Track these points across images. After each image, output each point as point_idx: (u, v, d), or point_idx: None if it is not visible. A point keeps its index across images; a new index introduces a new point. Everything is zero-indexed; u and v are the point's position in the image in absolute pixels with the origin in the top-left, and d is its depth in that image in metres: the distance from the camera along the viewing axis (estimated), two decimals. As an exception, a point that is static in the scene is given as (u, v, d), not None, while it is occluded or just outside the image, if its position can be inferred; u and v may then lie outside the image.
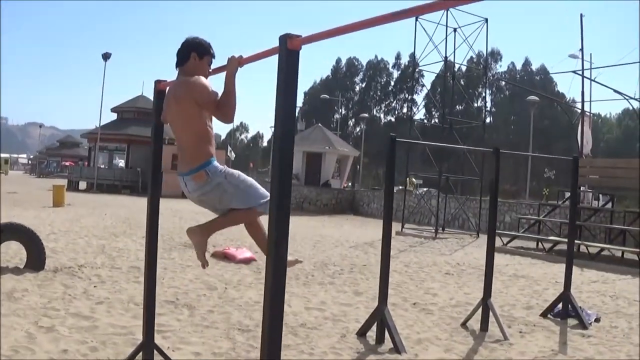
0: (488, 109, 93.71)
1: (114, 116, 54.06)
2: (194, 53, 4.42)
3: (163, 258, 11.59)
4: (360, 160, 45.51)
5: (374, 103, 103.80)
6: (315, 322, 7.75)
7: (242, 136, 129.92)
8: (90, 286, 8.38)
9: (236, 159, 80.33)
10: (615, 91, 21.17)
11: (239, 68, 4.19)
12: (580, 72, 21.96)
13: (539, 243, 19.86)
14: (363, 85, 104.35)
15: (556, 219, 21.85)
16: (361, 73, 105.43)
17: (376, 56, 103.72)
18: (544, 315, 9.17)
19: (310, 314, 8.21)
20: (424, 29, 25.51)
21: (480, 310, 8.21)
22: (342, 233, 21.83)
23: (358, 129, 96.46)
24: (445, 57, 25.31)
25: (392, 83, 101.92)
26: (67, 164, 55.56)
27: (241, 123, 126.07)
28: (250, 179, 4.52)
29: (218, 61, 4.55)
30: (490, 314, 8.06)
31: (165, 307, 7.71)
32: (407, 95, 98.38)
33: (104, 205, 27.16)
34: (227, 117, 4.29)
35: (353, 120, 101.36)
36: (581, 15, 22.29)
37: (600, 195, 22.21)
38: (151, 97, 5.07)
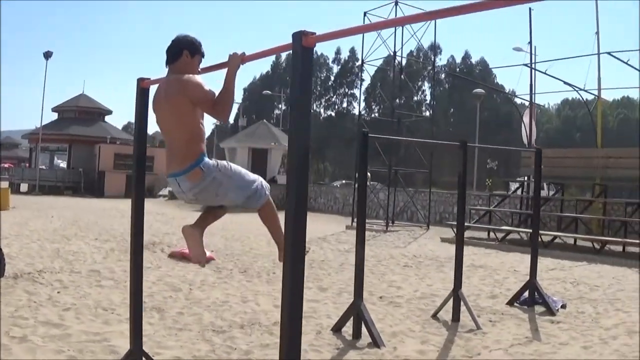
0: (428, 102, 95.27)
1: (55, 116, 52.77)
2: (186, 51, 4.36)
3: (120, 260, 11.35)
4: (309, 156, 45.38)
5: (314, 98, 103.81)
6: (287, 319, 7.66)
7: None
8: (53, 292, 8.12)
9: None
10: (566, 83, 21.63)
11: (240, 65, 4.11)
12: (529, 65, 22.35)
13: (490, 233, 20.17)
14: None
15: (505, 209, 22.26)
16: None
17: (316, 51, 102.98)
18: (510, 303, 9.29)
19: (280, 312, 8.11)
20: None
21: (450, 301, 8.25)
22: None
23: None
24: (394, 52, 25.45)
25: (332, 78, 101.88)
26: (7, 165, 53.88)
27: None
28: (238, 168, 4.49)
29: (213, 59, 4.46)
30: (462, 304, 8.12)
31: (134, 310, 7.52)
32: (347, 90, 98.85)
33: (48, 207, 26.37)
34: (224, 115, 4.25)
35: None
36: (530, 10, 22.72)
37: (545, 185, 22.69)
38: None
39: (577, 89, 22.04)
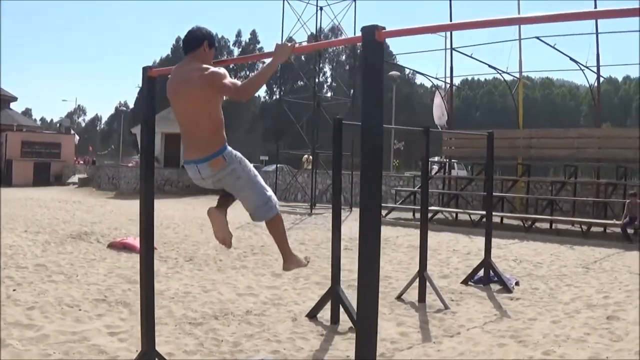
0: (329, 83, 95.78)
1: None
2: (206, 42, 4.40)
3: (61, 253, 10.94)
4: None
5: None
6: (256, 308, 7.59)
7: (80, 119, 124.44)
8: (9, 290, 7.67)
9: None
10: (490, 66, 22.16)
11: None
12: (454, 49, 22.71)
13: (415, 213, 20.55)
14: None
15: (431, 189, 22.70)
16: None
17: (217, 34, 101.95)
18: (465, 282, 9.50)
19: (246, 300, 8.02)
20: (291, 6, 25.44)
21: (416, 282, 8.34)
22: (219, 214, 21.45)
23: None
24: (316, 35, 25.38)
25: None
26: None
27: (79, 106, 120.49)
28: (255, 170, 4.49)
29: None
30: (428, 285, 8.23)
31: (100, 306, 7.24)
32: (248, 73, 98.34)
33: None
34: (247, 96, 4.19)
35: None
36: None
37: (456, 165, 23.33)
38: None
39: (499, 71, 22.65)
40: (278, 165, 40.81)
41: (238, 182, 4.32)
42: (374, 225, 3.00)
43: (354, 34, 26.06)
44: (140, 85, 4.70)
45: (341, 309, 6.93)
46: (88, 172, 42.30)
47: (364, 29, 2.96)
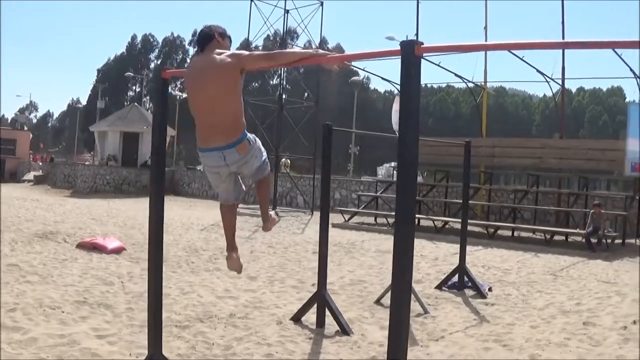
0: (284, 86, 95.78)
1: None
2: (216, 33, 4.54)
3: (30, 252, 10.73)
4: (175, 139, 44.52)
5: (170, 80, 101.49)
6: (239, 311, 7.58)
7: (32, 115, 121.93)
8: (-16, 290, 7.52)
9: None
10: (457, 75, 22.42)
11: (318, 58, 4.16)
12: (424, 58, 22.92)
13: (377, 218, 20.73)
14: (159, 62, 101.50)
15: (389, 194, 22.90)
16: (157, 50, 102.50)
17: (172, 33, 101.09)
18: (439, 287, 9.63)
19: (227, 303, 8.01)
20: (258, 8, 25.42)
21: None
22: (180, 215, 21.30)
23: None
24: (283, 38, 25.42)
25: (189, 60, 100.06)
26: None
27: (31, 102, 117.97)
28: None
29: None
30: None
31: (82, 308, 7.13)
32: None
33: None
34: (276, 63, 4.39)
35: (148, 97, 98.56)
36: (417, 2, 23.28)
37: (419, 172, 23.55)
38: None
39: (466, 80, 22.96)
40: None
41: (254, 160, 4.53)
42: (408, 236, 3.06)
43: (320, 37, 26.44)
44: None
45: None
46: (43, 170, 41.57)
47: (403, 44, 3.02)
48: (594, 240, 15.07)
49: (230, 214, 4.97)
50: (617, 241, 16.16)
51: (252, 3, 25.45)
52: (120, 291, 8.25)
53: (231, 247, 5.02)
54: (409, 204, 3.07)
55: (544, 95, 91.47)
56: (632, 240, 17.04)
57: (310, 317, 7.22)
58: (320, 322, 7.03)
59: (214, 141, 4.36)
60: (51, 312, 6.79)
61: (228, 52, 4.37)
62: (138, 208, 23.68)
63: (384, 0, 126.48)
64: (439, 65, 20.66)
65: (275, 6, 25.66)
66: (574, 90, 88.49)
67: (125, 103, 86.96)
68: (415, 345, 6.46)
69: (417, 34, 23.56)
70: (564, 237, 16.79)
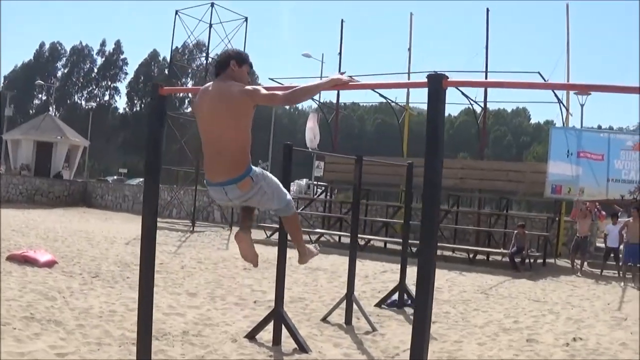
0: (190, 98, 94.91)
1: None
2: (232, 61, 4.42)
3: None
4: (87, 150, 43.37)
5: (77, 89, 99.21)
6: (190, 328, 7.57)
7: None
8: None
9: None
10: (381, 95, 22.98)
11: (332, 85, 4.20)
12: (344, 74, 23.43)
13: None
14: (66, 71, 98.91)
15: (310, 211, 23.12)
16: (64, 58, 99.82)
17: (81, 42, 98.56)
18: (378, 305, 9.86)
19: (176, 320, 7.97)
20: (183, 22, 25.27)
21: (343, 305, 8.58)
22: (99, 228, 20.84)
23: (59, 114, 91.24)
24: (207, 54, 25.33)
25: (96, 70, 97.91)
26: None
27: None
28: (275, 178, 4.63)
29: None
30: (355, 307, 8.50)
31: (32, 325, 6.93)
32: (109, 83, 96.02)
33: None
34: (294, 102, 4.36)
35: (54, 106, 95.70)
36: (342, 21, 23.82)
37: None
38: None
39: (389, 100, 23.52)
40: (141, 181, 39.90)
41: (264, 197, 4.44)
42: (431, 262, 3.24)
43: (244, 50, 26.48)
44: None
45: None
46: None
47: (430, 77, 3.22)
48: (517, 260, 15.68)
49: (287, 227, 4.98)
50: (539, 261, 16.94)
51: (177, 15, 25.29)
52: (65, 306, 8.06)
53: (243, 227, 4.81)
54: (433, 227, 3.26)
55: (449, 114, 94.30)
56: (552, 260, 17.86)
57: (264, 334, 7.29)
58: (277, 339, 7.10)
59: (217, 175, 4.34)
60: (3, 329, 6.58)
61: (242, 88, 4.24)
62: (53, 219, 23.05)
63: (302, 17, 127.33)
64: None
65: (200, 20, 25.58)
66: (478, 111, 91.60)
67: (31, 111, 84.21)
68: (375, 363, 6.64)
69: (340, 52, 24.11)
70: (485, 257, 17.38)
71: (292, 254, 16.19)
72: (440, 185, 3.32)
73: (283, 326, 7.11)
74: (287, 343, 7.03)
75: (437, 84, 3.21)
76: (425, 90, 3.22)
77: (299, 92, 4.13)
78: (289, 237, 5.59)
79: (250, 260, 4.83)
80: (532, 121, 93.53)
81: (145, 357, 4.65)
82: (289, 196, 4.66)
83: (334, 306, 8.73)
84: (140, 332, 4.66)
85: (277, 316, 7.17)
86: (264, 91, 4.21)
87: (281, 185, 4.63)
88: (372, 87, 3.99)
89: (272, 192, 4.48)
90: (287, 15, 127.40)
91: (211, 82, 4.50)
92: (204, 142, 4.40)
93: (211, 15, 25.01)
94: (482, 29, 23.28)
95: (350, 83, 4.13)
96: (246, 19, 25.73)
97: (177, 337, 7.06)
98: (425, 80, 3.27)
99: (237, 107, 4.20)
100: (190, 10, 25.65)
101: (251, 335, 7.28)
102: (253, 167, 4.37)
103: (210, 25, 25.46)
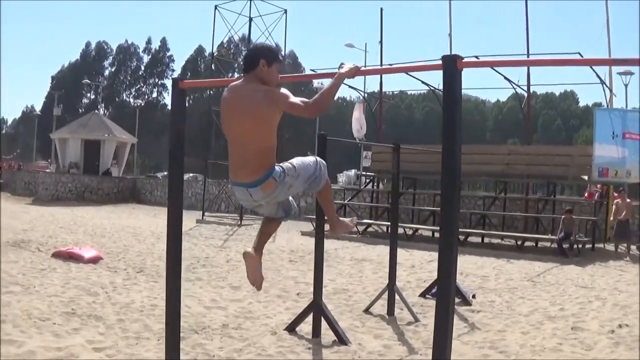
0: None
1: None
2: (262, 60, 4.25)
3: (6, 262, 10.49)
4: (135, 147, 43.95)
5: (124, 87, 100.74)
6: (231, 321, 7.51)
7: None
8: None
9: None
10: (423, 82, 22.72)
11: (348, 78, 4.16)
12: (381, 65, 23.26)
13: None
14: (113, 70, 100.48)
15: (358, 202, 22.97)
16: (111, 57, 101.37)
17: (126, 40, 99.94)
18: (423, 295, 9.66)
19: (217, 313, 7.94)
20: (223, 17, 25.31)
21: (385, 295, 8.45)
22: (147, 223, 21.10)
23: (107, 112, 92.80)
24: (249, 44, 25.32)
25: (143, 68, 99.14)
26: None
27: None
28: (299, 161, 4.44)
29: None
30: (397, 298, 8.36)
31: (72, 320, 6.98)
32: (157, 80, 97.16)
33: None
34: (318, 113, 4.17)
35: (103, 104, 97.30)
36: (381, 9, 23.57)
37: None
38: None
39: (432, 88, 23.20)
40: (192, 175, 40.20)
41: (291, 189, 4.34)
42: (453, 246, 3.10)
43: (284, 44, 26.42)
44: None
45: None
46: (3, 177, 40.75)
47: (445, 58, 3.07)
48: (565, 246, 15.31)
49: (270, 222, 4.79)
50: (588, 246, 16.50)
51: (216, 10, 25.33)
52: (107, 302, 8.11)
53: (256, 248, 4.67)
54: (453, 213, 3.11)
55: (497, 100, 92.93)
56: (601, 245, 17.40)
57: (304, 326, 7.20)
58: (317, 332, 7.00)
59: (241, 176, 4.25)
60: (42, 324, 6.64)
61: (268, 96, 4.12)
62: (102, 216, 23.43)
63: (346, 1, 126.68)
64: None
65: (240, 14, 25.59)
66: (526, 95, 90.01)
67: (80, 110, 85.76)
68: (414, 354, 6.49)
69: (381, 41, 23.80)
70: (534, 243, 17.04)
71: (336, 245, 16.33)
72: (459, 171, 3.15)
73: (322, 318, 7.01)
74: (327, 335, 6.92)
75: (451, 65, 3.06)
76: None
77: (321, 98, 4.02)
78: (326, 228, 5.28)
79: (253, 282, 4.64)
80: (581, 104, 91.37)
81: (173, 351, 4.56)
82: (316, 169, 4.43)
83: (376, 297, 8.59)
84: (168, 327, 4.58)
85: (316, 308, 7.07)
86: (291, 99, 4.08)
87: (307, 164, 4.42)
88: (387, 72, 3.85)
89: (299, 181, 4.34)
90: (327, 5, 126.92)
91: (239, 80, 4.36)
92: (229, 145, 4.30)
93: (250, 8, 25.02)
94: (522, 13, 22.80)
95: (361, 69, 4.10)
96: (285, 11, 25.69)
97: (217, 331, 7.02)
98: (439, 62, 3.12)
99: (261, 114, 4.11)
100: (229, 5, 25.68)
101: (291, 328, 7.19)
102: (276, 167, 4.24)
103: (250, 19, 25.45)
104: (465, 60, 3.12)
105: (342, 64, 4.14)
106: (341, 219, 4.87)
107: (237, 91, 4.26)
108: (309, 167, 4.42)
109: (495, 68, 20.48)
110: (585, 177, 18.30)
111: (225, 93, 4.35)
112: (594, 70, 18.52)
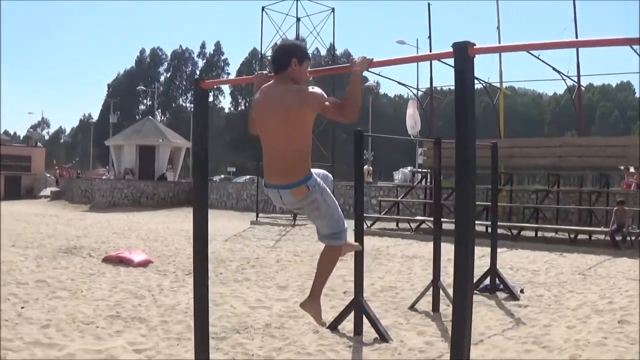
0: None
1: None
2: (294, 59, 4.22)
3: (57, 268, 10.76)
4: (190, 151, 44.51)
5: (180, 93, 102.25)
6: (274, 321, 7.51)
7: (44, 132, 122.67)
8: (16, 307, 7.45)
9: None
10: (477, 79, 22.37)
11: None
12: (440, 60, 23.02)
13: (398, 223, 20.62)
14: (168, 75, 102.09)
15: (408, 199, 22.77)
16: (166, 63, 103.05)
17: (180, 46, 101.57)
18: (470, 291, 9.46)
19: (261, 313, 7.93)
20: (270, 18, 25.44)
21: (429, 292, 8.36)
22: (200, 227, 21.30)
23: (165, 118, 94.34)
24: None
25: (198, 72, 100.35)
26: None
27: (43, 119, 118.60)
28: (332, 197, 4.41)
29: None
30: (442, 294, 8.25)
31: (116, 323, 7.07)
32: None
33: None
34: (352, 117, 4.07)
35: (160, 110, 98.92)
36: (429, 5, 23.38)
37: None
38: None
39: (482, 82, 22.90)
40: (249, 177, 40.58)
41: (316, 212, 4.28)
42: (469, 237, 3.00)
43: (333, 43, 26.38)
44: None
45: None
46: (60, 185, 41.81)
47: (455, 45, 2.99)
48: (618, 238, 14.92)
49: (324, 257, 4.58)
50: (641, 237, 16.01)
51: (264, 12, 25.43)
52: (152, 304, 8.19)
53: (313, 294, 4.61)
54: (469, 205, 3.01)
55: (554, 93, 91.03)
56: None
57: (347, 325, 7.14)
58: (358, 329, 6.94)
59: (274, 178, 4.23)
60: (85, 328, 6.75)
61: (302, 97, 4.07)
62: (157, 221, 23.76)
63: (394, 1, 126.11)
64: (451, 65, 20.62)
65: (287, 14, 25.65)
66: (583, 87, 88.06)
67: (137, 117, 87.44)
68: (456, 350, 6.35)
69: (430, 37, 23.54)
70: (587, 236, 16.65)
71: (387, 243, 16.22)
72: (473, 161, 3.03)
73: (364, 316, 6.95)
74: (370, 333, 6.86)
75: (462, 52, 2.94)
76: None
77: (354, 102, 4.01)
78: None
79: (320, 323, 4.89)
80: (637, 95, 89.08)
81: (202, 351, 4.57)
82: (342, 227, 4.39)
83: (421, 294, 8.50)
84: (196, 327, 4.59)
85: (358, 306, 7.01)
86: (326, 103, 4.05)
87: (339, 210, 4.38)
88: (397, 62, 3.73)
89: (326, 211, 4.28)
90: (375, 2, 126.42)
91: (271, 82, 4.31)
92: (263, 146, 4.28)
93: (297, 8, 25.08)
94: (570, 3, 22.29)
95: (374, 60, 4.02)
96: (333, 9, 25.64)
97: (259, 330, 7.02)
98: (450, 49, 3.01)
99: (296, 116, 4.08)
100: (276, 6, 25.77)
101: (333, 326, 7.14)
102: (313, 176, 4.20)
103: (298, 19, 25.50)
104: (477, 47, 3.01)
105: (353, 60, 4.12)
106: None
107: (268, 93, 4.24)
108: (338, 212, 4.38)
109: (542, 59, 20.27)
110: (622, 167, 17.75)
111: (257, 95, 4.32)
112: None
